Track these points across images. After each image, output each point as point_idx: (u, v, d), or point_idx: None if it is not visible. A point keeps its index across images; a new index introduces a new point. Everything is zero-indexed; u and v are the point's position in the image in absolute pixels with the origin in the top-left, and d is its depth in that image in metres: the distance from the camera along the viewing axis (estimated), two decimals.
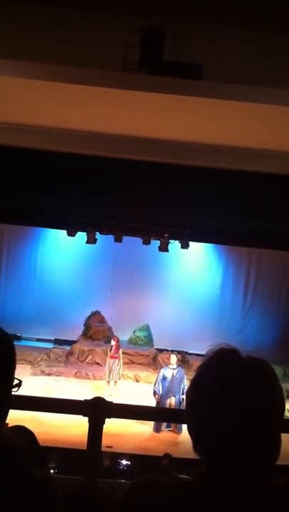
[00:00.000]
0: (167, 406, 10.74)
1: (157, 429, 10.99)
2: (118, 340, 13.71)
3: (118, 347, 13.43)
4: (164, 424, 11.05)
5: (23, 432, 1.71)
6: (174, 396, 10.91)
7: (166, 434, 11.03)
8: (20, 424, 1.86)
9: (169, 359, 11.90)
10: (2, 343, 1.56)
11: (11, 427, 1.72)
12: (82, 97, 7.65)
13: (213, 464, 1.32)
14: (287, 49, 5.79)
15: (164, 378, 11.19)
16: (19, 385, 1.58)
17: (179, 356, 13.24)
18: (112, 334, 15.47)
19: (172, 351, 14.08)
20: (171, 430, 11.02)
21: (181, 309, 16.85)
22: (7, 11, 5.66)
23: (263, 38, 5.74)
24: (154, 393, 11.33)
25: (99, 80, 6.44)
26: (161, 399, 11.07)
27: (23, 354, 14.10)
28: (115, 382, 13.08)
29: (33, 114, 8.83)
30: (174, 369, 11.26)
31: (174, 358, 11.51)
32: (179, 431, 10.65)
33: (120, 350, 13.50)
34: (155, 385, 11.45)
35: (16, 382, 1.58)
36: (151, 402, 11.21)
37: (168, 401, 10.98)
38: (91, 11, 5.70)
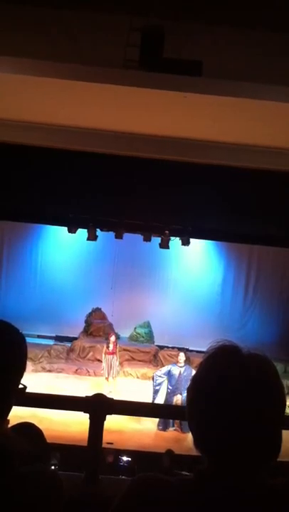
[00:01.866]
0: (174, 403, 10.75)
1: (165, 428, 11.00)
2: (117, 337, 13.79)
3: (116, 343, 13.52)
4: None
5: (28, 430, 1.71)
6: (181, 394, 10.91)
7: (167, 431, 11.03)
8: (21, 420, 1.86)
9: (177, 357, 11.91)
10: (14, 342, 1.57)
11: (18, 424, 1.72)
12: (82, 94, 7.66)
13: (213, 461, 1.32)
14: (287, 48, 5.79)
15: (171, 375, 11.22)
16: (24, 390, 1.59)
17: (186, 354, 13.26)
18: (113, 331, 15.50)
19: (179, 349, 14.12)
20: (175, 429, 11.01)
21: (182, 306, 16.85)
22: (8, 11, 5.66)
23: (263, 37, 5.74)
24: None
25: (99, 77, 6.44)
26: (167, 396, 11.13)
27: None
28: (114, 378, 13.10)
29: (34, 111, 8.83)
30: (181, 367, 11.28)
31: (182, 357, 11.54)
32: (184, 430, 10.60)
33: (117, 347, 13.56)
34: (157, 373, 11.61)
35: (20, 386, 1.58)
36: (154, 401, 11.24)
37: (174, 398, 11.00)
38: (91, 9, 5.70)
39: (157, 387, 11.44)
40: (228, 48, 5.78)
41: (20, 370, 1.57)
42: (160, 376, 11.43)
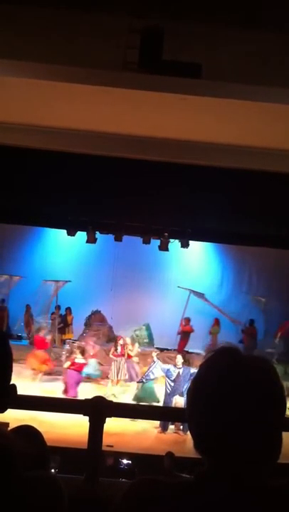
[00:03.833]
0: (173, 405, 10.73)
1: (164, 428, 10.99)
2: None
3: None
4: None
5: (28, 432, 1.70)
6: (181, 395, 10.89)
7: (167, 434, 11.01)
8: (21, 423, 1.86)
9: (174, 359, 11.91)
10: None
11: (17, 427, 1.72)
12: (81, 97, 7.66)
13: (213, 462, 1.32)
14: (287, 49, 5.80)
15: (169, 376, 11.21)
16: (14, 389, 1.59)
17: (186, 356, 13.33)
18: (113, 333, 15.50)
19: (179, 351, 14.16)
20: (175, 432, 10.98)
21: (182, 308, 16.83)
22: (8, 12, 5.66)
23: (263, 38, 5.75)
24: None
25: (98, 79, 6.46)
26: (166, 397, 11.13)
27: (24, 354, 14.08)
28: (119, 381, 13.09)
29: (33, 113, 8.84)
30: (179, 368, 11.28)
31: (179, 359, 11.54)
32: (184, 430, 10.57)
33: (125, 349, 13.58)
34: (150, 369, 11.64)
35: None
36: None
37: (173, 400, 10.99)
38: (91, 11, 5.71)
39: (152, 376, 11.54)
40: (228, 49, 5.79)
41: (8, 364, 1.57)
42: (160, 368, 11.49)
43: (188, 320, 16.29)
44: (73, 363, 12.44)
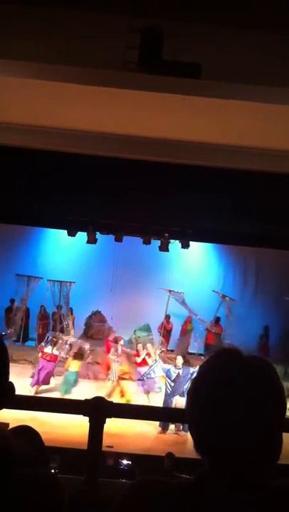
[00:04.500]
0: (173, 405, 10.74)
1: (164, 428, 10.99)
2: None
3: None
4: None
5: (26, 432, 1.70)
6: (181, 396, 10.88)
7: (168, 434, 11.01)
8: (21, 423, 1.86)
9: (175, 360, 11.91)
10: None
11: (15, 427, 1.72)
12: (81, 97, 7.65)
13: (214, 463, 1.31)
14: (287, 49, 5.80)
15: (169, 376, 11.23)
16: (11, 387, 1.59)
17: (186, 357, 13.34)
18: (113, 333, 15.50)
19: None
20: (175, 433, 10.98)
21: (182, 309, 16.85)
22: (8, 12, 5.66)
23: (263, 38, 5.75)
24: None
25: (98, 80, 6.45)
26: (166, 398, 11.15)
27: (24, 354, 14.10)
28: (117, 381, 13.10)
29: (33, 114, 8.82)
30: (179, 369, 11.28)
31: (180, 360, 11.55)
32: (184, 431, 10.57)
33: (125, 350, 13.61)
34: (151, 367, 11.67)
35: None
36: (152, 402, 11.23)
37: (174, 400, 10.98)
38: (91, 11, 5.71)
39: (152, 375, 11.59)
40: (228, 49, 5.79)
41: (5, 362, 1.57)
42: (161, 368, 11.51)
43: (168, 317, 16.36)
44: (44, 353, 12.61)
